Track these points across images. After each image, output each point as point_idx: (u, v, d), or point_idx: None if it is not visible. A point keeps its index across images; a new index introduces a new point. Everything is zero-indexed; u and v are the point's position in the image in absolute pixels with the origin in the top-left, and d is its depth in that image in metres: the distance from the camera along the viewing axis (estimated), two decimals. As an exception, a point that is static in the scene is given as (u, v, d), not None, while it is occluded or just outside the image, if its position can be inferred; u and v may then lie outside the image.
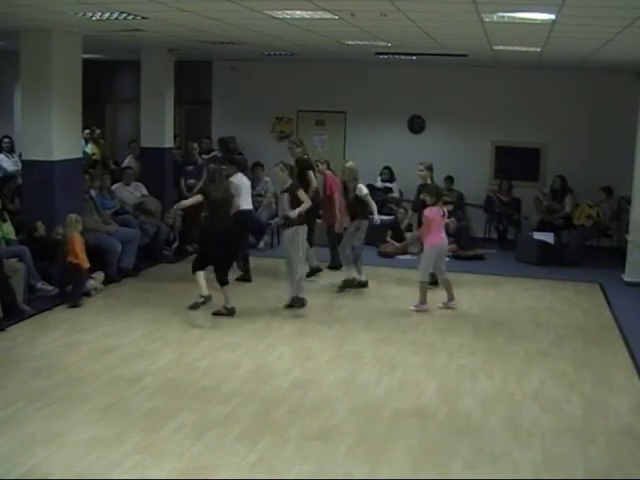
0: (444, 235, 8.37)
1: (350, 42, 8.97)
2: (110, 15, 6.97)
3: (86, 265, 8.13)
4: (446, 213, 8.52)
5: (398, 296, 8.86)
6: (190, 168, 11.55)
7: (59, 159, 8.57)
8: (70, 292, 8.05)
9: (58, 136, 8.56)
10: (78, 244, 8.03)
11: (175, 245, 10.82)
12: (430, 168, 9.13)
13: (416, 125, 12.99)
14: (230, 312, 7.75)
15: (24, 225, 8.43)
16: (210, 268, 7.73)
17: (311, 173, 9.23)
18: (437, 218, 8.22)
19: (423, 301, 8.19)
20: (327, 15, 6.56)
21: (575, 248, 11.02)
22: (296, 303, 7.97)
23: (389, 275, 9.08)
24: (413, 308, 8.18)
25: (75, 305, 7.93)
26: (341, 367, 6.48)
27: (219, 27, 7.70)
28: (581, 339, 7.50)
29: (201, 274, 7.64)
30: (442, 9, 6.04)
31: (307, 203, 8.02)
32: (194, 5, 6.35)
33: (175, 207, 8.72)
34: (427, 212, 8.24)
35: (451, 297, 8.36)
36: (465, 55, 10.09)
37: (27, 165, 8.81)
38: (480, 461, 4.79)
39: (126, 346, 6.83)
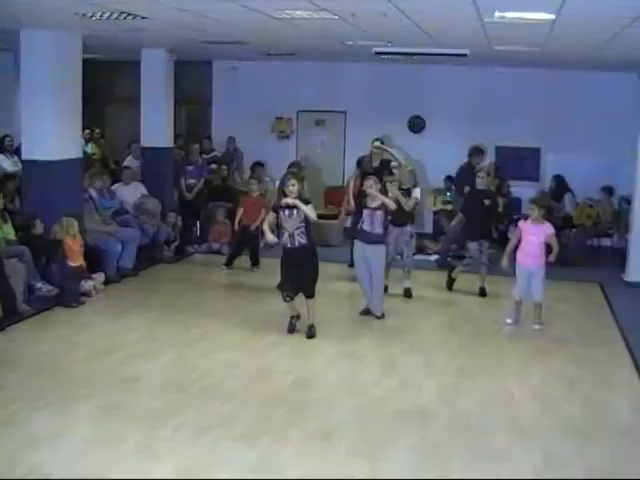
0: (532, 255, 7.71)
1: (350, 42, 8.97)
2: (110, 15, 6.96)
3: (80, 264, 8.11)
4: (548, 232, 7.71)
5: (398, 296, 8.86)
6: (190, 168, 11.58)
7: (59, 159, 8.57)
8: (64, 293, 8.03)
9: (58, 136, 8.56)
10: (70, 247, 8.03)
11: (175, 245, 10.83)
12: (489, 174, 9.10)
13: (416, 125, 13.00)
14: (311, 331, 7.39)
15: (24, 225, 8.43)
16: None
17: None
18: (527, 236, 7.69)
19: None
20: (327, 15, 6.56)
21: (575, 248, 11.03)
22: (380, 315, 7.97)
23: (388, 275, 9.08)
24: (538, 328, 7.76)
25: (69, 306, 7.91)
26: (341, 367, 6.48)
27: (219, 27, 7.70)
28: (581, 339, 7.50)
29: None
30: (442, 9, 6.04)
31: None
32: (194, 5, 6.34)
33: None
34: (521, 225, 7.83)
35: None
36: (465, 55, 10.08)
37: (27, 165, 8.81)
38: (480, 461, 4.79)
39: (126, 346, 6.83)
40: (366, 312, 8.05)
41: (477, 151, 10.27)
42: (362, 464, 4.70)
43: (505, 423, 5.38)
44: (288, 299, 7.33)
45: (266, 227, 7.35)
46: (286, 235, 7.20)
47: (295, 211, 7.16)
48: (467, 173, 10.04)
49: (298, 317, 7.48)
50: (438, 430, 5.24)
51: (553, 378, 6.35)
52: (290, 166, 9.84)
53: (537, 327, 7.79)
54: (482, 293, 9.06)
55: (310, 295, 7.34)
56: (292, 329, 7.39)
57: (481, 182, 9.06)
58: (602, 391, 6.11)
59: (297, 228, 7.15)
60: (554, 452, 4.94)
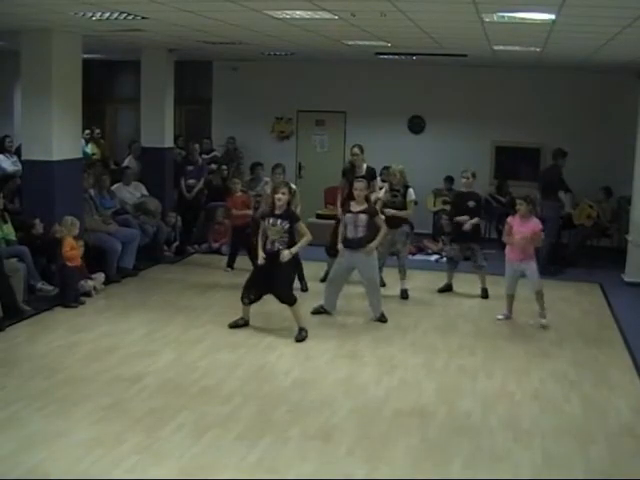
0: (518, 251, 7.73)
1: (350, 42, 8.98)
2: (110, 15, 6.97)
3: (80, 264, 8.10)
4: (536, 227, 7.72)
5: (396, 296, 8.86)
6: (190, 168, 11.59)
7: (59, 159, 8.57)
8: (64, 293, 8.02)
9: (58, 136, 8.56)
10: (71, 247, 8.02)
11: (175, 245, 10.83)
12: (475, 175, 9.15)
13: (416, 125, 13.02)
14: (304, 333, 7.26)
15: (24, 225, 8.43)
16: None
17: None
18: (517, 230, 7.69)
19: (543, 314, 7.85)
20: (327, 15, 6.57)
21: (575, 248, 11.03)
22: (383, 319, 7.87)
23: (387, 275, 9.08)
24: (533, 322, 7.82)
25: (69, 306, 7.90)
26: (341, 367, 6.48)
27: (219, 27, 7.70)
28: (581, 339, 7.50)
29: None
30: (442, 9, 6.04)
31: (384, 229, 7.73)
32: (194, 5, 6.35)
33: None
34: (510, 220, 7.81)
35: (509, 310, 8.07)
36: (465, 55, 10.09)
37: (27, 165, 8.81)
38: (480, 461, 4.79)
39: (126, 346, 6.83)
40: (317, 311, 7.96)
41: (562, 153, 10.45)
42: (362, 464, 4.70)
43: (505, 423, 5.38)
44: (247, 301, 7.35)
45: (260, 250, 7.22)
46: (267, 240, 7.16)
47: (279, 221, 7.09)
48: (556, 175, 10.36)
49: (246, 323, 7.47)
50: (438, 430, 5.24)
51: (553, 378, 6.35)
52: (275, 168, 9.33)
53: (543, 321, 7.76)
54: (484, 295, 8.99)
55: (287, 303, 7.27)
56: (234, 325, 7.41)
57: (465, 184, 9.07)
58: (602, 391, 6.12)
59: (280, 237, 7.12)
60: (554, 452, 4.94)
